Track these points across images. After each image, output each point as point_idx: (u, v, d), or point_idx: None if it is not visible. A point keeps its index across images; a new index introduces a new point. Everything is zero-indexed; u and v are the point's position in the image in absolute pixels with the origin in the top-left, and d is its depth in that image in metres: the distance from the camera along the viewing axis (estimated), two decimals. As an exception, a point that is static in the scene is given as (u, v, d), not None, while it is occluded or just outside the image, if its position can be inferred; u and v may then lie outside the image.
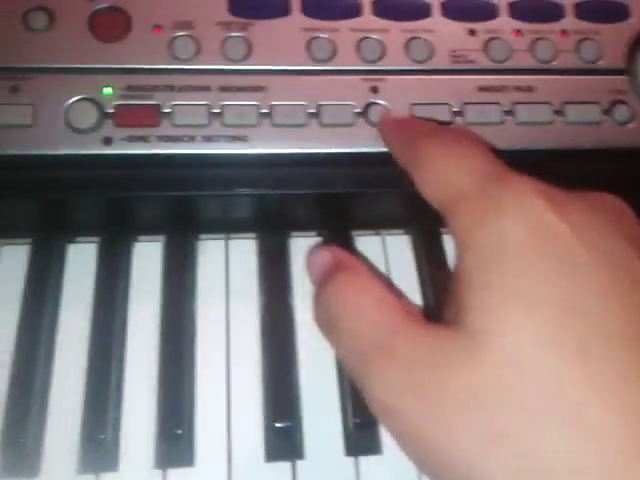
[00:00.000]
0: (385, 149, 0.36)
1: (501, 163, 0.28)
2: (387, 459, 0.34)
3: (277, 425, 0.33)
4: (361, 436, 0.34)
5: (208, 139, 0.37)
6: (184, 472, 0.33)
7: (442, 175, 0.28)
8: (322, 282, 0.29)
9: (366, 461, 0.34)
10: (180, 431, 0.33)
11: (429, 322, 0.26)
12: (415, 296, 0.40)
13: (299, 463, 0.34)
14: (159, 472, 0.33)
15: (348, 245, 0.41)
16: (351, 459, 0.34)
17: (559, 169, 0.38)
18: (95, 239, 0.40)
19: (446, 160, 0.28)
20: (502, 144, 0.37)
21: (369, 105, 0.37)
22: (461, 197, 0.26)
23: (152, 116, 0.37)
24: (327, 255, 0.31)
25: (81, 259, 0.40)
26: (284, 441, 0.34)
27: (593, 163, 0.37)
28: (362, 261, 0.32)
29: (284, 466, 0.33)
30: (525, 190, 0.26)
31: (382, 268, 0.41)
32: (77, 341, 0.37)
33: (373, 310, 0.26)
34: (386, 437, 0.34)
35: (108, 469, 0.33)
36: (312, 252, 0.32)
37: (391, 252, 0.41)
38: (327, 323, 0.29)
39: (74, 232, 0.40)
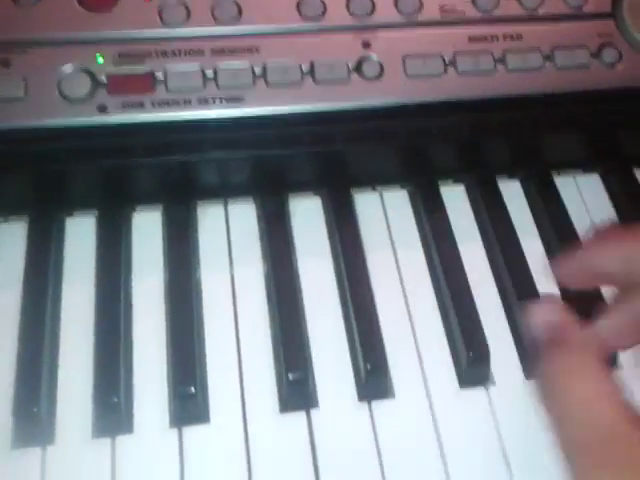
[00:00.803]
0: (379, 103, 0.37)
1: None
2: (400, 402, 0.34)
3: (290, 376, 0.34)
4: (373, 381, 0.34)
5: (204, 102, 0.37)
6: (200, 429, 0.33)
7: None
8: (553, 351, 0.28)
9: (379, 405, 0.34)
10: (193, 389, 0.33)
11: None
12: (417, 250, 0.40)
13: (313, 412, 0.34)
14: (174, 431, 0.33)
15: (347, 203, 0.41)
16: (364, 404, 0.34)
17: (551, 113, 0.39)
18: (93, 211, 0.40)
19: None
20: (495, 92, 0.38)
21: (362, 60, 0.38)
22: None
23: (146, 83, 0.37)
24: (554, 315, 0.29)
25: (80, 232, 0.40)
26: (297, 391, 0.34)
27: (584, 105, 0.38)
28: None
29: (299, 416, 0.34)
30: None
31: (382, 224, 0.41)
32: (82, 311, 0.37)
33: (608, 406, 0.25)
34: (398, 381, 0.35)
35: (123, 431, 0.33)
36: (538, 305, 0.30)
37: (389, 208, 0.42)
38: (554, 398, 0.27)
39: (72, 205, 0.40)
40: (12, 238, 0.39)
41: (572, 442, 0.26)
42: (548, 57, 0.38)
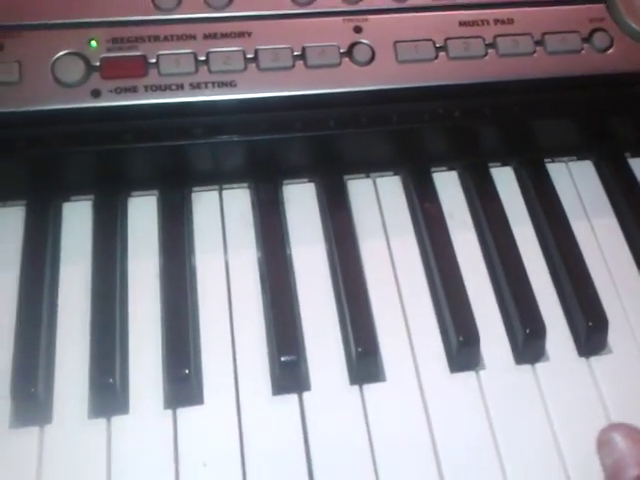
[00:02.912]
0: (370, 88, 0.37)
1: None
2: (391, 385, 0.35)
3: (282, 359, 0.34)
4: (364, 364, 0.35)
5: (196, 86, 0.37)
6: (194, 410, 0.34)
7: None
8: None
9: (370, 388, 0.35)
10: (187, 371, 0.34)
11: None
12: (410, 236, 0.41)
13: (305, 394, 0.34)
14: (169, 412, 0.34)
15: (340, 189, 0.41)
16: (356, 387, 0.35)
17: (542, 98, 0.39)
18: (90, 197, 0.41)
19: None
20: (486, 77, 0.38)
21: (353, 45, 0.38)
22: None
23: (138, 67, 0.37)
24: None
25: (77, 217, 0.40)
26: (290, 374, 0.34)
27: (575, 91, 0.38)
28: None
29: (291, 398, 0.34)
30: None
31: (375, 210, 0.41)
32: (79, 294, 0.37)
33: None
34: (389, 365, 0.35)
35: (119, 412, 0.34)
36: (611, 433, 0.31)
37: (382, 194, 0.42)
38: None
39: (68, 190, 0.41)
40: (11, 222, 0.40)
41: None
42: (539, 42, 0.38)
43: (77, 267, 0.38)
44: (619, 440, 0.30)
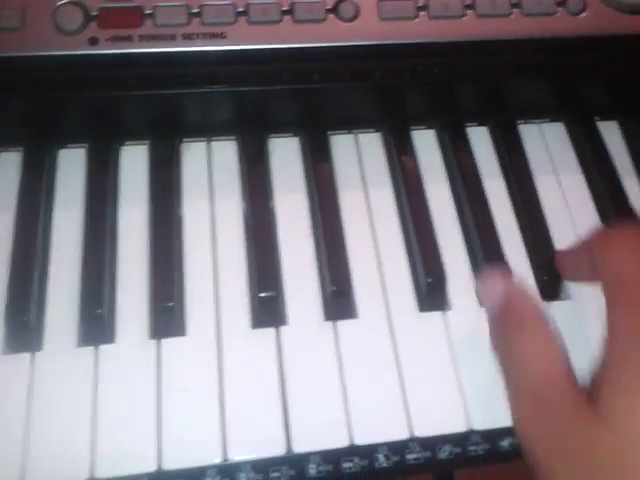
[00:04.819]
0: (354, 43, 0.39)
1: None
2: (363, 322, 0.37)
3: (261, 295, 0.36)
4: (338, 302, 0.37)
5: (188, 37, 0.39)
6: (177, 341, 0.36)
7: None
8: (502, 320, 0.32)
9: (344, 325, 0.37)
10: (172, 304, 0.36)
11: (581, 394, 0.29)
12: (387, 188, 0.43)
13: (282, 329, 0.37)
14: (153, 342, 0.36)
15: (323, 143, 0.43)
16: (329, 323, 0.37)
17: (517, 59, 0.41)
18: (84, 145, 0.43)
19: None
20: (464, 36, 0.40)
21: (339, 2, 0.39)
22: None
23: (134, 17, 0.39)
24: (500, 285, 0.33)
25: (72, 163, 0.42)
26: (268, 309, 0.37)
27: (549, 53, 0.40)
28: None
29: (269, 332, 0.37)
30: None
31: (355, 163, 0.43)
32: (71, 233, 0.39)
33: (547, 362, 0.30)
34: (361, 303, 0.37)
35: (106, 341, 0.36)
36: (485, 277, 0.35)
37: (363, 148, 0.44)
38: (507, 358, 0.31)
39: (64, 138, 0.43)
40: (9, 166, 0.42)
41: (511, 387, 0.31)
42: (516, 4, 0.40)
43: (70, 208, 0.40)
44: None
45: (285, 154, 0.43)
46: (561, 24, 0.40)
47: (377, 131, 0.44)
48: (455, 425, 0.34)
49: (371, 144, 0.44)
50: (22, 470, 0.32)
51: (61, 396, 0.34)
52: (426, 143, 0.44)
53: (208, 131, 0.43)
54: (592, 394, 0.28)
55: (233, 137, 0.44)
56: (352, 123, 0.44)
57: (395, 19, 0.39)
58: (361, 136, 0.44)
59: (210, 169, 0.43)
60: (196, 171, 0.43)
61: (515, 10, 0.40)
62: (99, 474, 0.32)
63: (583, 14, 0.40)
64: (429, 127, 0.44)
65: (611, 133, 0.45)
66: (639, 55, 0.41)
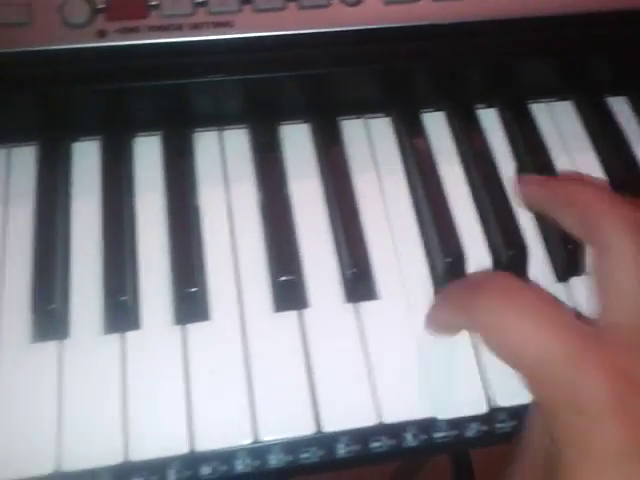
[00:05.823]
0: (360, 27, 0.39)
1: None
2: (385, 303, 0.37)
3: (281, 279, 0.37)
4: (358, 284, 0.37)
5: (195, 27, 0.39)
6: (201, 326, 0.37)
7: None
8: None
9: (365, 306, 0.37)
10: (195, 289, 0.37)
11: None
12: (399, 172, 0.43)
13: (305, 311, 0.37)
14: (178, 327, 0.37)
15: (334, 129, 0.44)
16: (350, 305, 0.37)
17: (524, 38, 0.41)
18: (97, 137, 0.43)
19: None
20: (468, 17, 0.40)
21: (345, -14, 0.40)
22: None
23: (140, 8, 0.39)
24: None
25: (86, 156, 0.42)
26: (289, 293, 0.37)
27: (557, 30, 0.40)
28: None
29: (291, 314, 0.37)
30: None
31: (366, 147, 0.44)
32: (90, 224, 0.40)
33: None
34: (382, 284, 0.38)
35: (131, 328, 0.36)
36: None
37: (374, 133, 0.44)
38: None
39: (77, 131, 0.43)
40: (24, 161, 0.42)
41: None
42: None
43: (88, 199, 0.41)
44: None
45: (296, 141, 0.44)
46: (567, 0, 0.40)
47: (387, 115, 0.44)
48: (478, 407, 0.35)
49: (381, 128, 0.44)
50: (58, 456, 0.33)
51: (91, 382, 0.35)
52: (436, 125, 0.44)
53: (219, 120, 0.43)
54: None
55: (244, 126, 0.44)
56: (361, 108, 0.44)
57: (399, 2, 0.39)
58: (371, 121, 0.44)
59: (223, 158, 0.43)
60: (209, 160, 0.43)
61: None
62: (133, 457, 0.33)
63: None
64: (438, 109, 0.45)
65: (621, 109, 0.45)
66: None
